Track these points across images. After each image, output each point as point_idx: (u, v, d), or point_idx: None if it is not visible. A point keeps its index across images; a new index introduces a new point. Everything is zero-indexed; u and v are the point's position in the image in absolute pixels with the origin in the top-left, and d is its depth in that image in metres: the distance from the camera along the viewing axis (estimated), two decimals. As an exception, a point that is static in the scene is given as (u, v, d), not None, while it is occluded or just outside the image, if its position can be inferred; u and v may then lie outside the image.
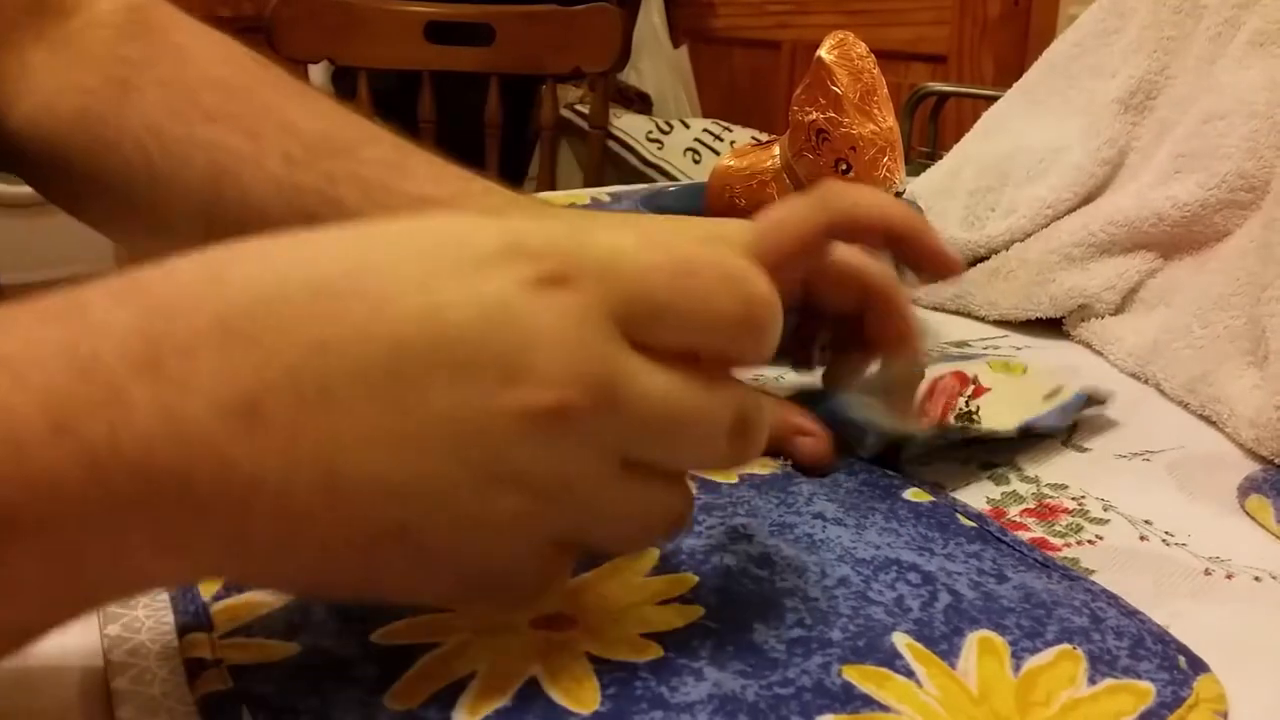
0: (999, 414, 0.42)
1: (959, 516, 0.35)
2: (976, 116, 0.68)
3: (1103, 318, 0.55)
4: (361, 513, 0.22)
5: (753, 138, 0.60)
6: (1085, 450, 0.43)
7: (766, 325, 0.25)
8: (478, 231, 0.24)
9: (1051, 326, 0.57)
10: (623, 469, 0.24)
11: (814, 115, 0.50)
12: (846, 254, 0.38)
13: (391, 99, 1.59)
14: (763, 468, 0.38)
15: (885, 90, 0.51)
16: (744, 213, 0.53)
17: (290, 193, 0.43)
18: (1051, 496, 0.38)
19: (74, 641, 0.29)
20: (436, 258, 0.23)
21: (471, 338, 0.22)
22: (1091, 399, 0.44)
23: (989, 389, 0.45)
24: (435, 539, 0.23)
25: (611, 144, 1.86)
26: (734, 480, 0.37)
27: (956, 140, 0.68)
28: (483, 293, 0.23)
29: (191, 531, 0.22)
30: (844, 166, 0.49)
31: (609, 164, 1.77)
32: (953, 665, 0.27)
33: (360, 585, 0.25)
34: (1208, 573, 0.34)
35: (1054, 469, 0.41)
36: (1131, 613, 0.30)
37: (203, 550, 0.22)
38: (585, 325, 0.23)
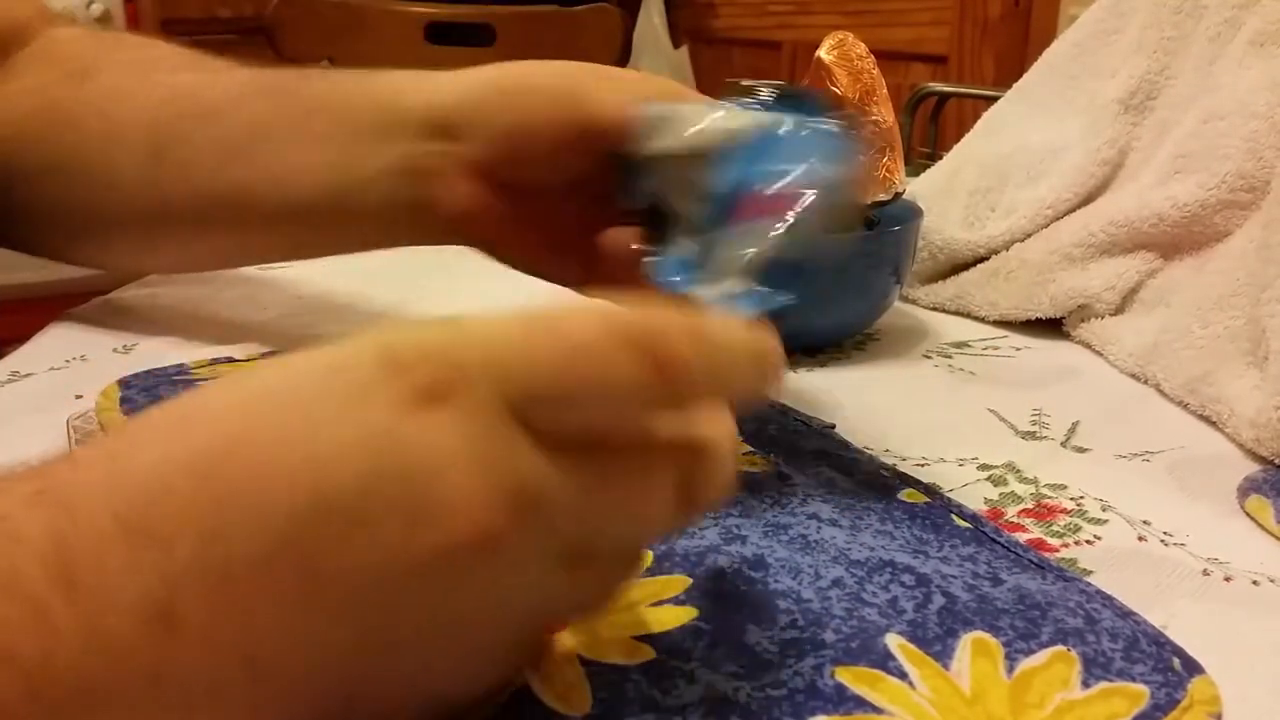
0: None
1: (954, 518, 0.35)
2: (977, 117, 0.68)
3: (1103, 318, 0.55)
4: (297, 693, 0.21)
5: (752, 138, 0.60)
6: (1085, 451, 0.43)
7: (684, 381, 0.22)
8: (349, 357, 0.22)
9: (1051, 326, 0.57)
10: (565, 561, 0.23)
11: (812, 115, 0.50)
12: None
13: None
14: (754, 466, 0.38)
15: (885, 90, 0.51)
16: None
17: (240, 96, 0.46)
18: (1050, 497, 0.38)
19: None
20: (313, 403, 0.21)
21: (362, 486, 0.20)
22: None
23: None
24: (387, 694, 0.22)
25: (613, 144, 1.85)
26: (729, 481, 0.37)
27: (957, 140, 0.68)
28: (363, 432, 0.21)
29: None
30: (843, 167, 0.49)
31: (610, 164, 1.77)
32: (946, 667, 0.27)
33: None
34: (1206, 573, 0.33)
35: (1053, 469, 0.40)
36: (1126, 614, 0.30)
37: None
38: (483, 436, 0.21)
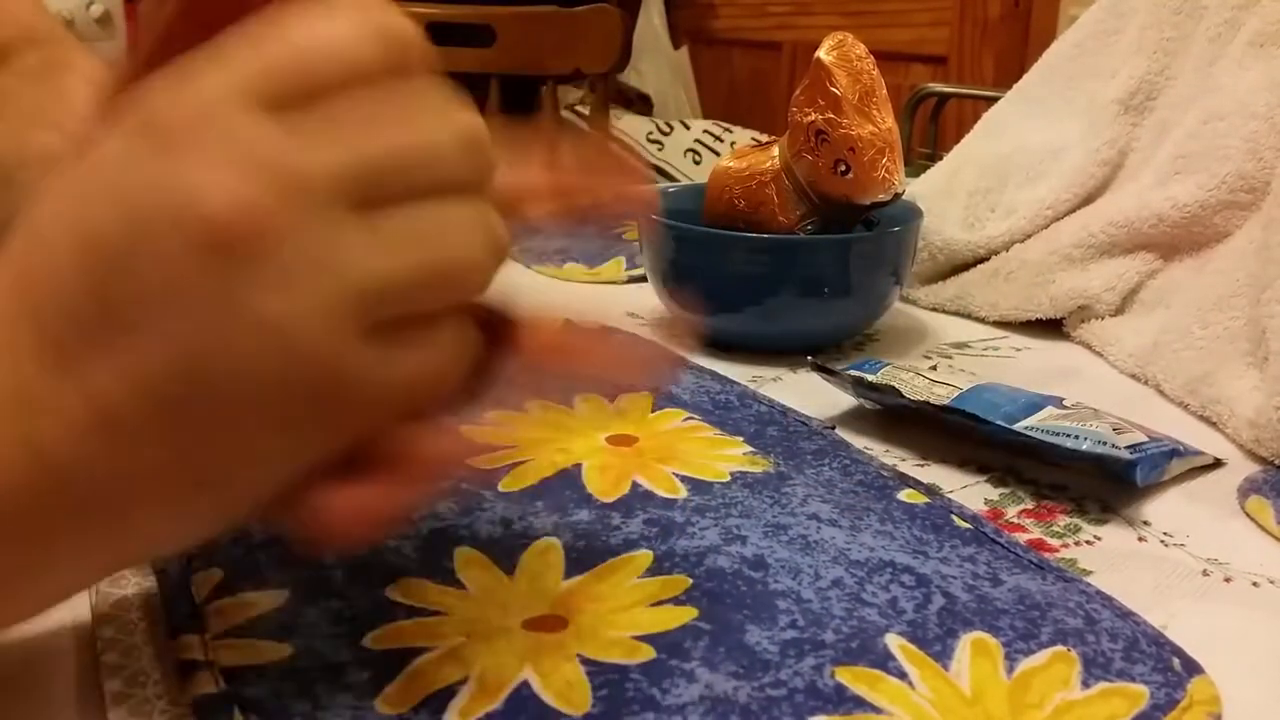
0: None
1: (954, 518, 0.35)
2: (977, 117, 0.68)
3: (1103, 319, 0.55)
4: (145, 435, 0.22)
5: (753, 139, 0.60)
6: (1083, 451, 0.43)
7: (413, 43, 0.24)
8: (113, 134, 0.23)
9: (1051, 327, 0.57)
10: (356, 206, 0.22)
11: (813, 116, 0.50)
12: None
13: (392, 100, 1.59)
14: (754, 466, 0.38)
15: (884, 91, 0.51)
16: (744, 213, 0.53)
17: None
18: (1050, 497, 0.38)
19: (68, 643, 0.29)
20: (77, 180, 0.23)
21: (126, 221, 0.21)
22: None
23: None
24: (231, 413, 0.22)
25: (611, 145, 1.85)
26: (726, 480, 0.37)
27: (957, 141, 0.68)
28: (111, 181, 0.22)
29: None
30: (843, 167, 0.49)
31: (610, 165, 1.77)
32: (946, 667, 0.27)
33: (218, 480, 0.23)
34: (1206, 574, 0.33)
35: (1052, 471, 0.40)
36: (1126, 614, 0.30)
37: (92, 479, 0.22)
38: (224, 130, 0.21)
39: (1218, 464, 0.41)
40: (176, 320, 0.21)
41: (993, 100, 0.68)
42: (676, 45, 2.30)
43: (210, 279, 0.21)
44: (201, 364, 0.22)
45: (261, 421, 0.23)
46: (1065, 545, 0.35)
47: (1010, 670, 0.27)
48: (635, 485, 0.36)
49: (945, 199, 0.62)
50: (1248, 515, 0.37)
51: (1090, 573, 0.33)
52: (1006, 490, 0.39)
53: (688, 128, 1.95)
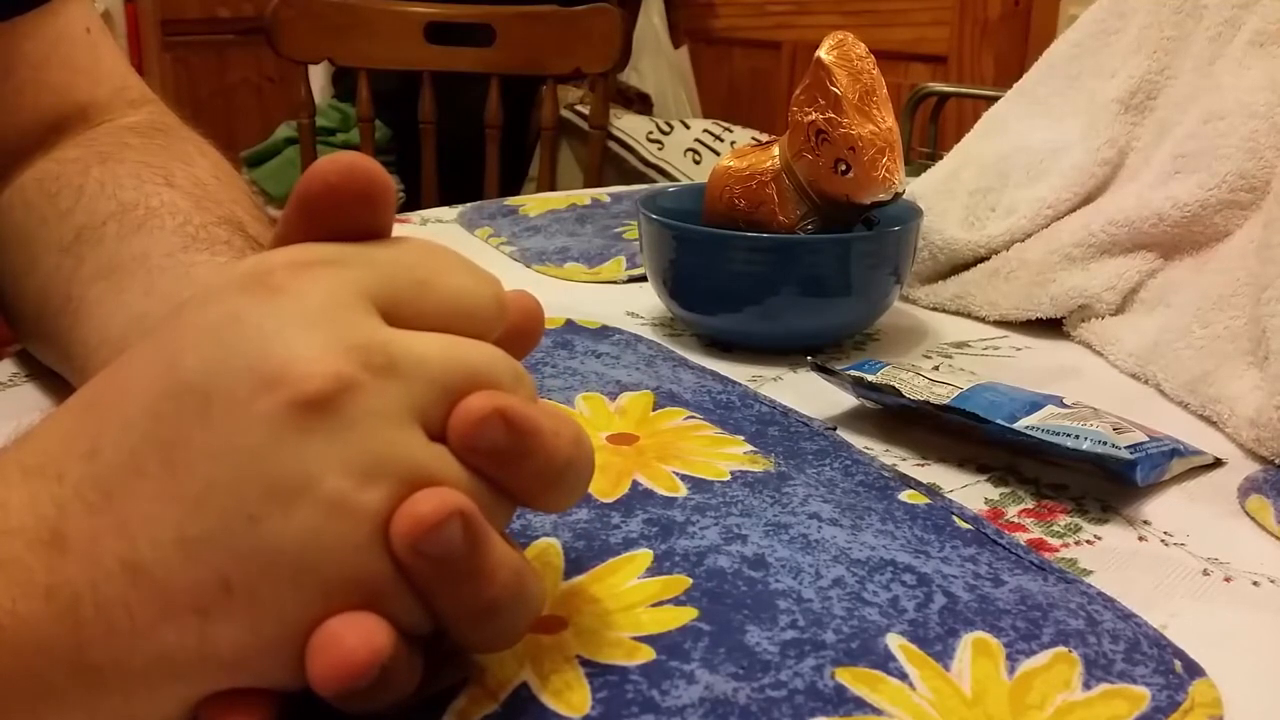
0: None
1: (955, 519, 0.35)
2: (977, 117, 0.68)
3: (1103, 318, 0.55)
4: (174, 586, 0.21)
5: (753, 138, 0.60)
6: (1084, 451, 0.42)
7: (507, 303, 0.26)
8: (220, 275, 0.24)
9: (1052, 327, 0.57)
10: (422, 423, 0.23)
11: (813, 116, 0.50)
12: None
13: (391, 99, 1.59)
14: (755, 466, 0.38)
15: (884, 91, 0.51)
16: (744, 213, 0.53)
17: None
18: (1050, 497, 0.38)
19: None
20: (179, 323, 0.23)
21: (210, 364, 0.22)
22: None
23: None
24: (263, 573, 0.21)
25: (612, 144, 1.85)
26: (727, 478, 0.37)
27: (957, 140, 0.68)
28: (210, 318, 0.23)
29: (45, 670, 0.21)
30: (843, 167, 0.49)
31: (609, 164, 1.77)
32: (947, 667, 0.27)
33: (210, 665, 0.22)
34: (1206, 573, 0.33)
35: (1053, 470, 0.40)
36: (1128, 616, 0.30)
37: (60, 685, 0.21)
38: (337, 300, 0.23)
39: (1218, 463, 0.41)
40: (239, 477, 0.21)
41: (993, 100, 0.68)
42: (676, 45, 2.31)
43: (284, 439, 0.21)
44: (252, 532, 0.21)
45: (294, 589, 0.22)
46: (1065, 545, 0.35)
47: (1011, 671, 0.27)
48: (635, 484, 0.36)
49: (945, 198, 0.62)
50: (1248, 515, 0.37)
51: (1090, 572, 0.33)
52: (1007, 490, 0.39)
53: (688, 127, 1.95)
